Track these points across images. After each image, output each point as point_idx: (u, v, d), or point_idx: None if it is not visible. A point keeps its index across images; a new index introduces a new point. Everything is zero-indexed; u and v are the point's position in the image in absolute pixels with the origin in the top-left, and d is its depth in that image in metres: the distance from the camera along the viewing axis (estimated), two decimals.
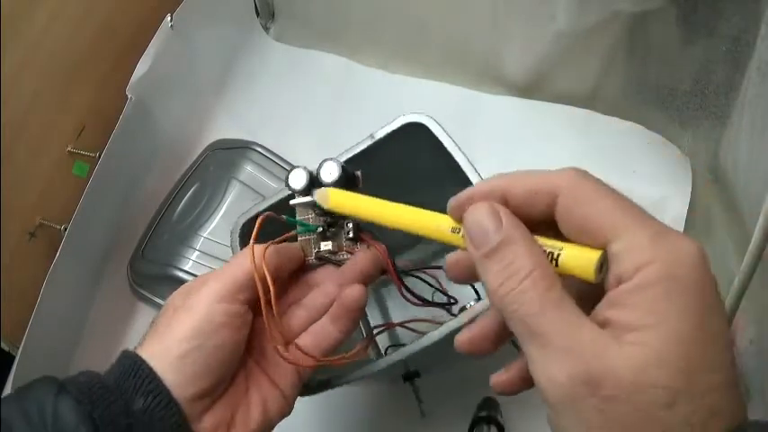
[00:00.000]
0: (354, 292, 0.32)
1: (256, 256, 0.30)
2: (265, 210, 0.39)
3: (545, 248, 0.21)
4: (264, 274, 0.30)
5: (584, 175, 0.22)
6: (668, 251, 0.19)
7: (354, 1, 0.66)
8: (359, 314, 0.33)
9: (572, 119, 0.61)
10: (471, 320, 0.34)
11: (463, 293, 0.40)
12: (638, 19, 0.53)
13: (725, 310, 0.20)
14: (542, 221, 0.22)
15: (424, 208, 0.26)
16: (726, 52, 0.47)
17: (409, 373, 0.48)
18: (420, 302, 0.36)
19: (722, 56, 0.48)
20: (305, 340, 0.33)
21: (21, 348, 0.46)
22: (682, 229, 0.54)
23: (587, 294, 0.21)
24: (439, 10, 0.62)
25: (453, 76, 0.66)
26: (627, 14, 0.53)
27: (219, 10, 0.66)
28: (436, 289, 0.39)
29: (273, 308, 0.30)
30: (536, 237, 0.22)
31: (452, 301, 0.39)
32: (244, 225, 0.41)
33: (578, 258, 0.21)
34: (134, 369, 0.28)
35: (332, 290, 0.33)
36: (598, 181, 0.21)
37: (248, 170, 0.60)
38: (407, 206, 0.26)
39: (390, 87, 0.67)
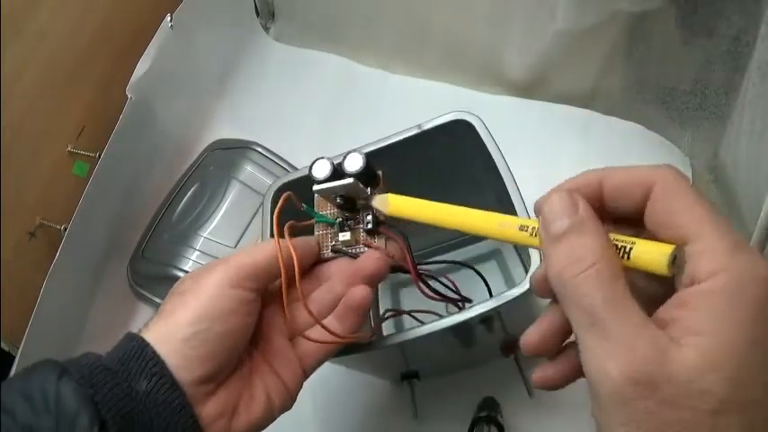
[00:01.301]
0: (358, 293, 0.32)
1: (281, 244, 0.31)
2: (301, 178, 0.40)
3: (617, 243, 0.22)
4: (287, 258, 0.30)
5: (681, 174, 0.22)
6: (743, 264, 0.19)
7: (354, 1, 0.66)
8: (363, 314, 0.33)
9: (572, 119, 0.61)
10: (486, 318, 0.34)
11: (475, 294, 0.40)
12: (637, 19, 0.53)
13: None
14: (626, 218, 0.23)
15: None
16: (726, 52, 0.47)
17: (408, 372, 0.48)
18: (437, 297, 0.36)
19: (722, 56, 0.48)
20: (312, 336, 0.33)
21: (21, 348, 0.46)
22: None
23: (646, 297, 0.21)
24: (439, 10, 0.62)
25: (453, 75, 0.66)
26: (626, 14, 0.53)
27: (219, 10, 0.66)
28: (450, 290, 0.39)
29: (299, 288, 0.30)
30: (610, 233, 0.22)
31: (468, 300, 0.39)
32: (276, 192, 0.41)
33: (651, 252, 0.21)
34: (137, 351, 0.28)
35: (339, 288, 0.33)
36: (691, 183, 0.22)
37: (248, 170, 0.60)
38: (466, 208, 0.27)
39: (390, 87, 0.67)
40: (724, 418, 0.18)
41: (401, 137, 0.40)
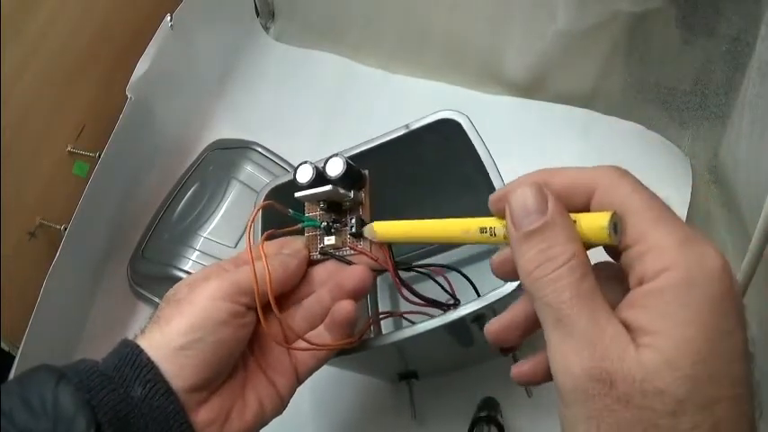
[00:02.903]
0: (342, 309, 0.33)
1: (261, 261, 0.31)
2: (290, 181, 0.40)
3: None
4: (263, 282, 0.31)
5: (624, 173, 0.22)
6: (693, 258, 0.19)
7: (354, 1, 0.66)
8: (350, 327, 0.34)
9: (572, 119, 0.61)
10: (478, 317, 0.35)
11: (467, 296, 0.40)
12: (637, 19, 0.53)
13: (744, 324, 0.19)
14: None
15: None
16: (726, 52, 0.47)
17: (407, 373, 0.48)
18: (422, 302, 0.36)
19: (722, 56, 0.48)
20: (303, 345, 0.33)
21: (21, 348, 0.46)
22: None
23: (613, 295, 0.21)
24: (439, 10, 0.62)
25: (453, 75, 0.66)
26: (626, 14, 0.53)
27: (219, 10, 0.66)
28: (443, 288, 0.39)
29: (274, 308, 0.31)
30: None
31: (456, 302, 0.39)
32: (267, 196, 0.41)
33: (591, 223, 0.21)
34: (132, 358, 0.28)
35: (327, 300, 0.34)
36: (636, 180, 0.22)
37: (248, 170, 0.60)
38: (436, 220, 0.28)
39: (390, 87, 0.67)
40: (686, 417, 0.18)
41: (389, 137, 0.40)
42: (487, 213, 0.25)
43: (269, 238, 0.34)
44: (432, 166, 0.42)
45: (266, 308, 0.31)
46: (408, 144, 0.40)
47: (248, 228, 0.33)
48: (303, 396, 0.33)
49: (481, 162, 0.38)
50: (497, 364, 0.48)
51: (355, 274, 0.33)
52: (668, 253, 0.19)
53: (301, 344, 0.33)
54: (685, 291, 0.19)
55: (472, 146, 0.38)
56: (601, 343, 0.19)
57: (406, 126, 0.40)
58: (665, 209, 0.21)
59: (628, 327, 0.20)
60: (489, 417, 0.43)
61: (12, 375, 0.46)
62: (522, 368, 0.25)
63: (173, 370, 0.28)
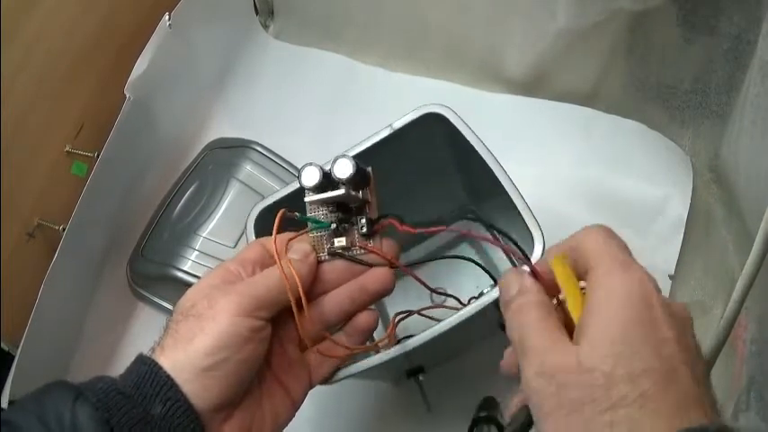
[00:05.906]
0: (365, 319, 0.34)
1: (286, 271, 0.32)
2: (282, 198, 0.40)
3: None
4: (294, 285, 0.32)
5: (589, 232, 0.27)
6: (612, 282, 0.25)
7: None
8: (370, 335, 0.34)
9: (572, 117, 0.60)
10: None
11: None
12: (638, 17, 0.53)
13: (663, 318, 0.24)
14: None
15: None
16: (727, 51, 0.47)
17: (413, 369, 0.48)
18: (438, 290, 0.37)
19: (723, 55, 0.48)
20: (322, 348, 0.34)
21: (20, 348, 0.46)
22: (682, 229, 0.53)
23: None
24: (440, 7, 0.62)
25: (454, 73, 0.65)
26: (627, 13, 0.52)
27: (218, 8, 0.66)
28: (429, 288, 0.39)
29: (305, 309, 0.32)
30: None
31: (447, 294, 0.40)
32: (259, 214, 0.40)
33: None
34: (151, 376, 0.28)
35: (346, 303, 0.34)
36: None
37: (247, 169, 0.60)
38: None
39: (390, 85, 0.67)
40: (615, 389, 0.22)
41: (374, 140, 0.39)
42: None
43: (287, 249, 0.34)
44: (416, 165, 0.42)
45: (286, 312, 0.32)
46: (393, 144, 0.39)
47: (274, 241, 0.32)
48: (304, 404, 0.34)
49: (465, 155, 0.37)
50: (498, 364, 0.48)
51: (379, 276, 0.33)
52: (599, 279, 0.25)
53: (323, 349, 0.33)
54: (607, 298, 0.24)
55: (457, 139, 0.38)
56: (545, 351, 0.25)
57: (390, 126, 0.39)
58: (612, 247, 0.26)
59: (580, 330, 0.25)
60: (489, 417, 0.43)
61: (11, 375, 0.46)
62: (507, 360, 0.30)
63: (197, 391, 0.28)
